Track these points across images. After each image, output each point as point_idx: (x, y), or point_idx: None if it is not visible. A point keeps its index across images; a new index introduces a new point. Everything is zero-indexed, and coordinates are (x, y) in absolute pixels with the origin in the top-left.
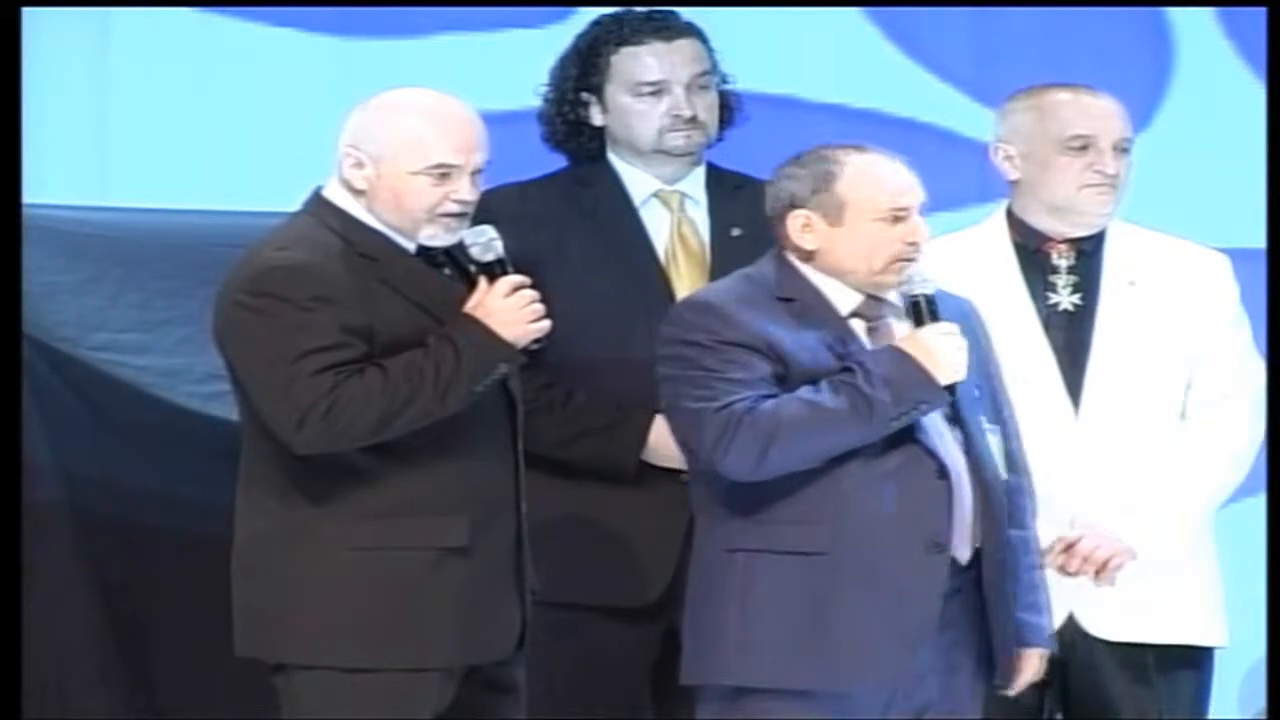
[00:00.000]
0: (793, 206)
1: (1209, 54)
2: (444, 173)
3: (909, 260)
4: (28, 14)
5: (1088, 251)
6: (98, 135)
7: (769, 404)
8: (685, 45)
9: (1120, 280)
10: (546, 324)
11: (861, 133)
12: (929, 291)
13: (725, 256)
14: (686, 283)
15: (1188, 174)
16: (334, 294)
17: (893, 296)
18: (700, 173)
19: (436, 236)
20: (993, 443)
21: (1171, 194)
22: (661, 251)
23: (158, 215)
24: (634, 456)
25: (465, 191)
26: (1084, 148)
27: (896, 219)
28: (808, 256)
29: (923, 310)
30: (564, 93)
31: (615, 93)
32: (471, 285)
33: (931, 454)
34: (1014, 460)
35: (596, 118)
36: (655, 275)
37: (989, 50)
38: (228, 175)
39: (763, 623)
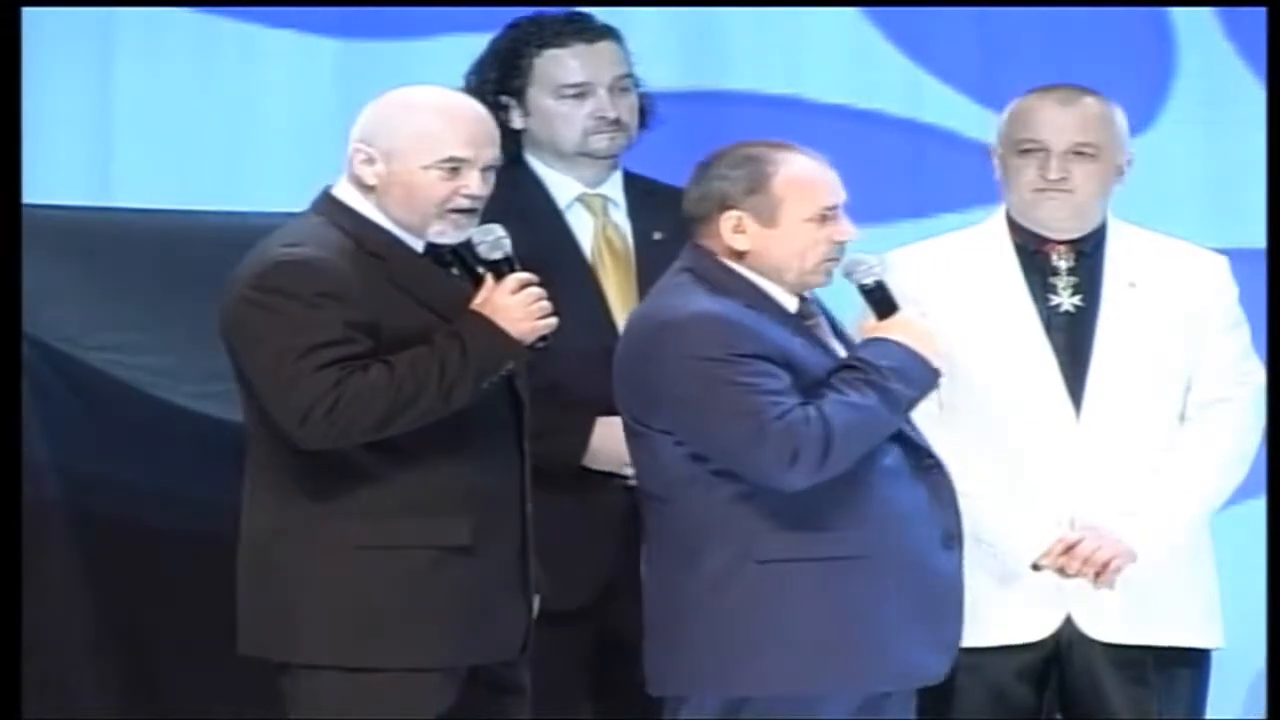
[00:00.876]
0: (725, 207)
1: (1211, 54)
2: (454, 167)
3: (835, 260)
4: (28, 14)
5: (1087, 253)
6: (98, 135)
7: (813, 411)
8: (606, 48)
9: (1121, 282)
10: (554, 321)
11: (864, 133)
12: (882, 276)
13: (649, 259)
14: (614, 285)
15: (1189, 174)
16: (341, 290)
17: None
18: (618, 177)
19: (446, 233)
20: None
21: (1172, 194)
22: (588, 254)
23: (158, 215)
24: (576, 459)
25: (475, 187)
26: (1034, 151)
27: (825, 218)
28: (737, 257)
29: (885, 294)
30: (483, 96)
31: (537, 95)
32: (478, 285)
33: (918, 445)
34: None
35: (516, 121)
36: (586, 278)
37: (991, 51)
38: (228, 176)
39: (805, 629)
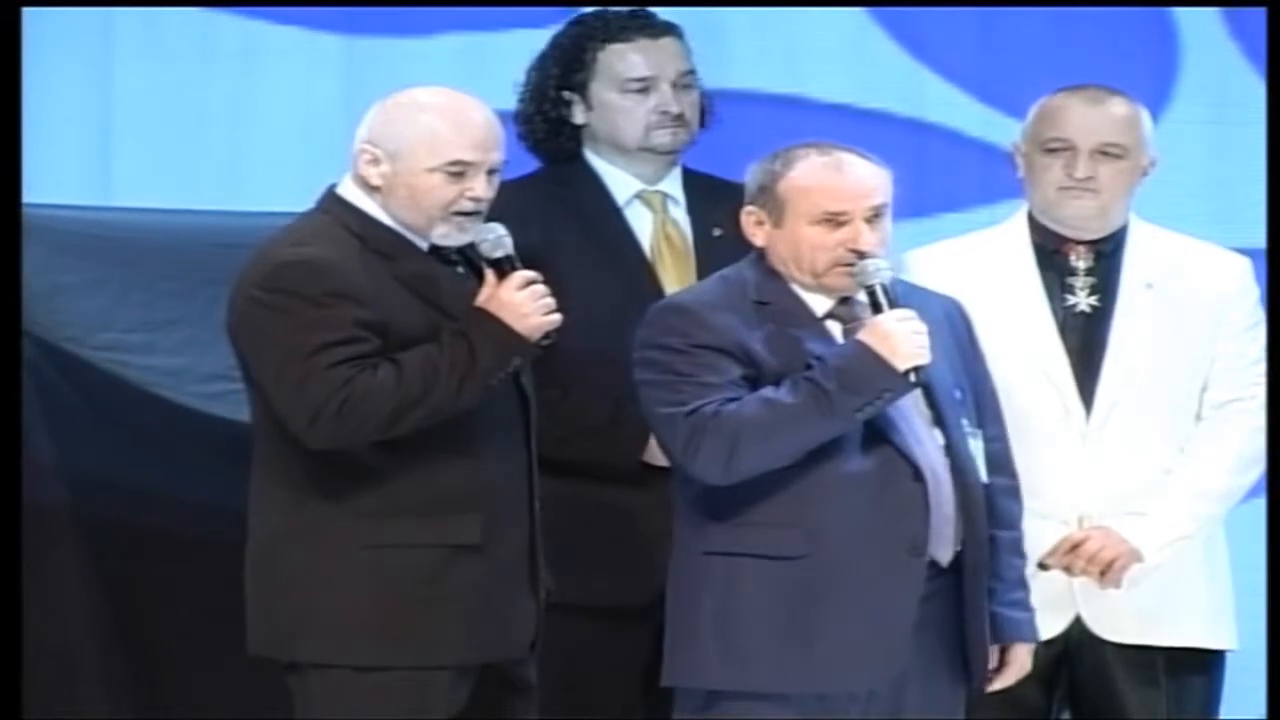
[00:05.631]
0: (748, 202)
1: (1214, 54)
2: (460, 170)
3: (852, 265)
4: (28, 14)
5: (1106, 253)
6: (99, 135)
7: (732, 406)
8: (670, 43)
9: (1138, 282)
10: (558, 317)
11: (867, 133)
12: (884, 280)
13: (709, 256)
14: (674, 282)
15: (1192, 174)
16: (349, 289)
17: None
18: (678, 173)
19: (450, 235)
20: (973, 446)
21: (1175, 194)
22: (647, 251)
23: (161, 215)
24: (634, 456)
25: (480, 189)
26: (1060, 150)
27: (837, 224)
28: (763, 254)
29: (878, 298)
30: (545, 91)
31: (600, 90)
32: (483, 282)
33: (906, 456)
34: (1002, 462)
35: (578, 116)
36: (644, 275)
37: (994, 51)
38: (231, 175)
39: (743, 626)
